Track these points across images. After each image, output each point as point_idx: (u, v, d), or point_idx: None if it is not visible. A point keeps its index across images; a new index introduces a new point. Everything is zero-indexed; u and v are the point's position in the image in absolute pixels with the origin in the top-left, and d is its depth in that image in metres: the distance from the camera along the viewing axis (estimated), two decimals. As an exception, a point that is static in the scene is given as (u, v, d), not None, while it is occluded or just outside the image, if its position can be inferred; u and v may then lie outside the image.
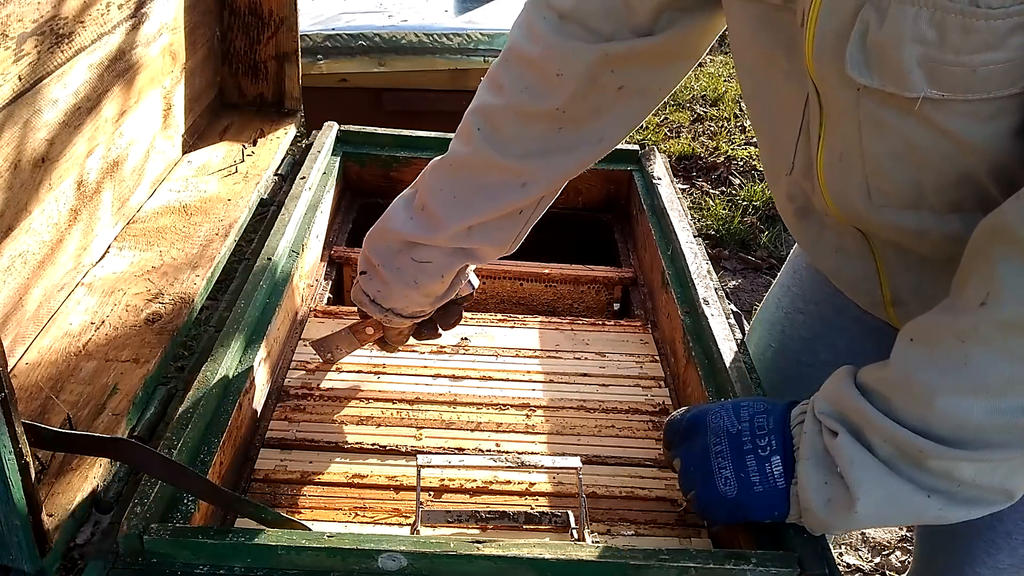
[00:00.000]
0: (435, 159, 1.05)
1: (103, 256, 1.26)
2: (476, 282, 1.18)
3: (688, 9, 0.89)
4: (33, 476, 0.74)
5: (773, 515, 0.82)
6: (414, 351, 1.26)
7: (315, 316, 1.33)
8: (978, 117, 0.69)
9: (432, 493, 1.02)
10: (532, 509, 1.00)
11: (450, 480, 1.03)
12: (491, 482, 1.04)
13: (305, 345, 1.25)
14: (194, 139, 1.62)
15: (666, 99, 1.01)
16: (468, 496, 1.02)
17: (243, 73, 1.76)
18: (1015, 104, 0.68)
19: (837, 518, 0.77)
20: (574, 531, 0.96)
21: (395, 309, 1.10)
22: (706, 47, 0.97)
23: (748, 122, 3.86)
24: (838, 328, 1.12)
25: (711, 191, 3.37)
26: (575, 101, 0.94)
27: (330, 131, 1.64)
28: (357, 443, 1.08)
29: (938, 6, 0.64)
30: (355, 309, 1.18)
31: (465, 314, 1.35)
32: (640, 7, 0.89)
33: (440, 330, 1.19)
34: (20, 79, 1.00)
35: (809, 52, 0.73)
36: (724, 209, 3.20)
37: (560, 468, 1.01)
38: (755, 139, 3.84)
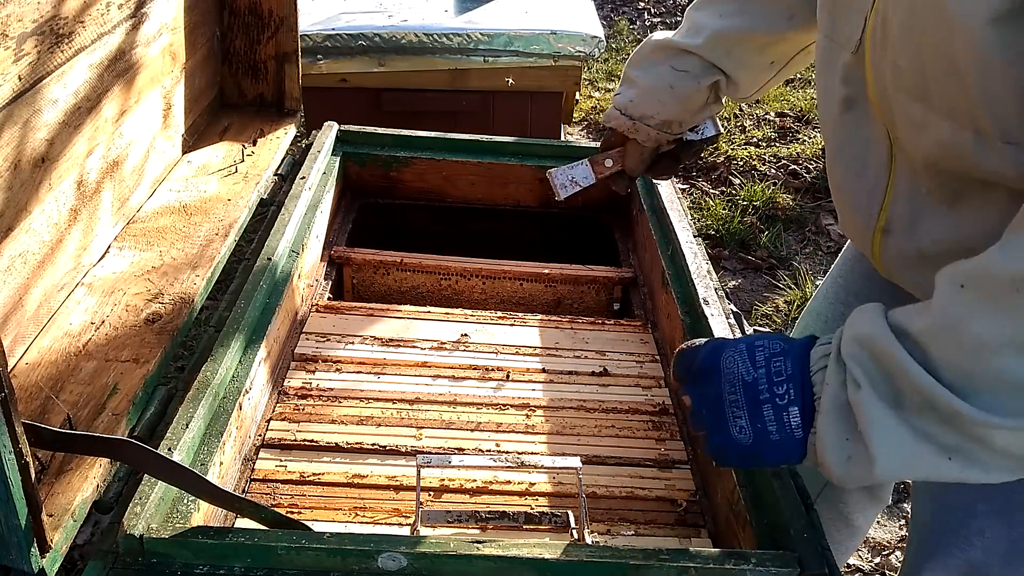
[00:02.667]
0: None
1: (103, 256, 1.26)
2: (720, 128, 1.23)
3: None
4: (33, 476, 0.74)
5: (788, 461, 0.79)
6: (414, 347, 1.26)
7: (317, 311, 1.33)
8: None
9: (432, 493, 1.02)
10: (532, 509, 1.00)
11: (450, 480, 1.03)
12: (491, 482, 1.04)
13: (308, 338, 1.25)
14: (194, 139, 1.62)
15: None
16: (468, 496, 1.02)
17: (243, 73, 1.76)
18: None
19: (855, 475, 0.74)
20: (574, 531, 0.96)
21: (644, 118, 1.16)
22: None
23: (748, 122, 3.86)
24: None
25: (711, 191, 3.37)
26: None
27: (330, 131, 1.64)
28: (357, 443, 1.08)
29: None
30: (358, 305, 1.17)
31: (465, 312, 1.36)
32: None
33: (677, 165, 1.23)
34: (20, 79, 1.00)
35: None
36: (724, 209, 3.19)
37: (560, 468, 1.01)
38: (762, 126, 3.77)
